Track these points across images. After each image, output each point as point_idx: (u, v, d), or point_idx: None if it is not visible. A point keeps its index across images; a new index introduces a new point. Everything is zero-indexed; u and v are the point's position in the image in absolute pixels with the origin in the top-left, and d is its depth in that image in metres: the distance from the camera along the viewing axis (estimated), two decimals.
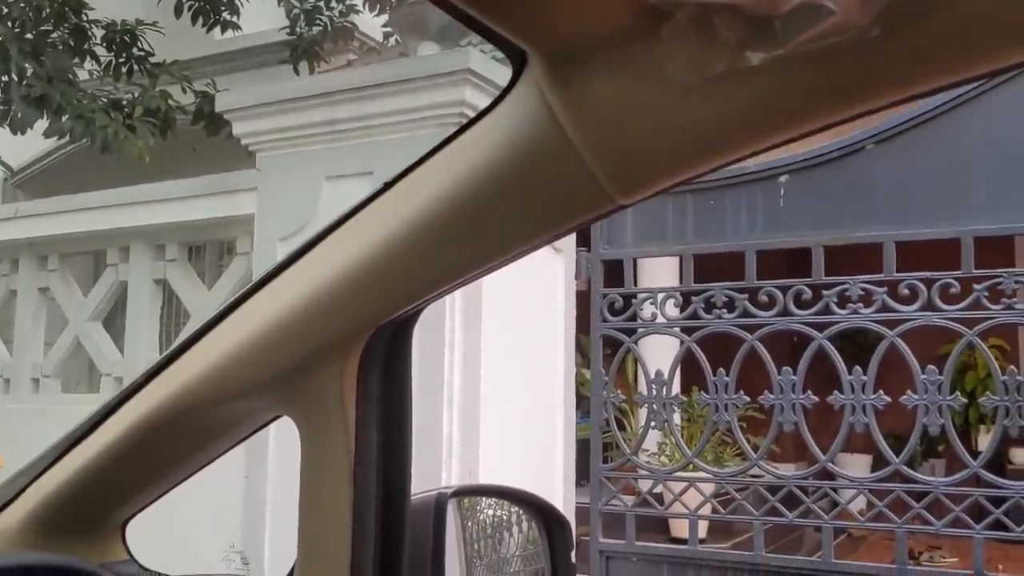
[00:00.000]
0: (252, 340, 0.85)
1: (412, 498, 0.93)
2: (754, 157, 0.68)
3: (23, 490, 0.96)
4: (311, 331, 0.83)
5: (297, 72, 5.87)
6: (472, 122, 0.75)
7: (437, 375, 3.00)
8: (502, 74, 3.07)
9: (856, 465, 8.21)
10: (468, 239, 0.75)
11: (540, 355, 3.56)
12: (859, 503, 3.30)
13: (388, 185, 0.81)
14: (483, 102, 3.02)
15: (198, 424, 0.91)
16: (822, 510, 3.28)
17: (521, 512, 1.33)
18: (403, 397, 0.90)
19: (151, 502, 0.99)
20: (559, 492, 3.55)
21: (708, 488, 3.45)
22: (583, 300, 3.69)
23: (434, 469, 2.96)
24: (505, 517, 1.39)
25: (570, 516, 3.59)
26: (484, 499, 1.41)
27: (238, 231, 3.54)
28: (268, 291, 0.86)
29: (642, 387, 3.46)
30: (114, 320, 4.10)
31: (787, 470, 6.49)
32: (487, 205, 0.72)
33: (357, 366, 0.84)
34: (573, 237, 3.62)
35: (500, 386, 3.26)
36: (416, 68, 3.08)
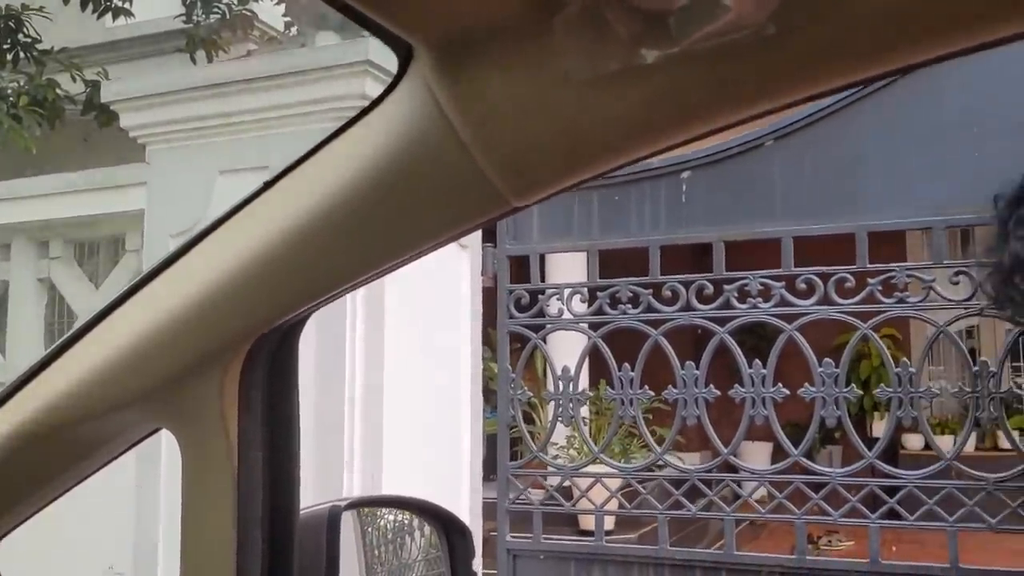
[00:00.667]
0: (126, 349, 0.80)
1: (303, 512, 0.90)
2: (654, 156, 0.65)
3: None
4: (189, 339, 0.78)
5: (194, 61, 5.67)
6: (356, 118, 0.71)
7: (338, 373, 2.92)
8: None
9: (758, 453, 8.45)
10: (355, 242, 0.72)
11: (446, 351, 3.52)
12: (761, 491, 3.36)
13: (269, 184, 0.77)
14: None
15: (71, 439, 0.85)
16: (725, 500, 3.32)
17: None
18: (289, 407, 0.86)
19: (22, 521, 0.92)
20: (466, 488, 3.51)
21: (616, 482, 3.47)
22: (490, 296, 3.67)
23: (336, 469, 2.89)
24: (406, 522, 1.37)
25: (477, 513, 3.56)
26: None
27: (127, 227, 3.39)
28: (143, 296, 0.81)
29: (551, 382, 3.46)
30: None
31: (692, 459, 6.63)
32: (374, 206, 0.69)
33: (239, 376, 0.80)
34: (479, 232, 3.58)
35: (404, 383, 3.20)
36: (314, 59, 2.98)
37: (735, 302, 3.25)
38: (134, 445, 0.89)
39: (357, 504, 1.26)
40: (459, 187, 0.65)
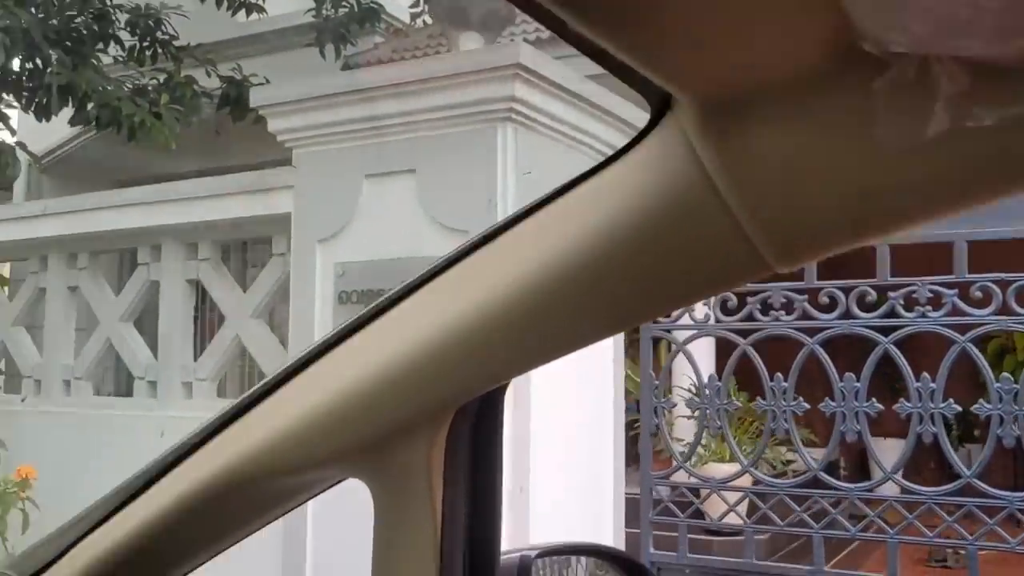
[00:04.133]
0: (329, 405, 0.75)
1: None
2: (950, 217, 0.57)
3: (71, 546, 0.87)
4: (397, 401, 0.73)
5: (323, 55, 5.71)
6: (593, 171, 0.64)
7: None
8: (554, 69, 2.91)
9: (890, 451, 8.11)
10: (585, 308, 0.65)
11: (591, 353, 3.44)
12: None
13: (486, 239, 0.70)
14: (535, 98, 2.87)
15: (263, 491, 0.82)
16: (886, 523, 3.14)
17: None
18: (493, 474, 0.83)
19: (200, 564, 0.90)
20: (609, 494, 3.43)
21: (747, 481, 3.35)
22: None
23: None
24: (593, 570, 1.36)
25: (620, 516, 3.48)
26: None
27: (274, 230, 3.41)
28: (346, 350, 0.76)
29: (676, 383, 3.35)
30: (144, 321, 4.00)
31: (819, 455, 6.43)
32: (613, 268, 0.61)
33: (445, 441, 0.76)
34: None
35: (551, 383, 3.14)
36: (462, 62, 2.92)
37: (901, 310, 3.05)
38: (321, 493, 0.86)
39: (547, 553, 1.23)
40: (715, 249, 0.58)
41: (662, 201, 0.59)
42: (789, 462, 6.62)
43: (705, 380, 3.38)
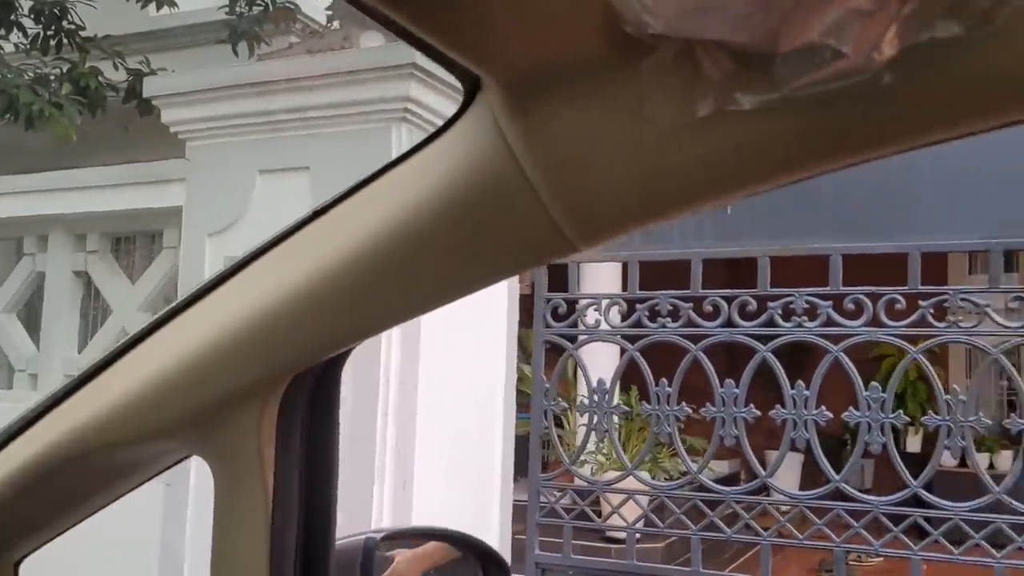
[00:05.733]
0: (161, 378, 0.77)
1: (338, 544, 0.88)
2: (737, 200, 0.61)
3: None
4: (230, 371, 0.75)
5: (236, 53, 5.64)
6: (414, 150, 0.67)
7: (372, 374, 2.87)
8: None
9: (788, 464, 8.33)
10: (406, 280, 0.68)
11: (481, 355, 3.46)
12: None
13: (319, 212, 0.73)
14: (429, 98, 2.90)
15: (102, 463, 0.82)
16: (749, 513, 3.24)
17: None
18: (328, 444, 0.84)
19: (48, 541, 0.90)
20: (496, 494, 3.46)
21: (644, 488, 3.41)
22: (525, 302, 3.61)
23: (366, 476, 2.85)
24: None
25: (507, 517, 3.51)
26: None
27: (165, 223, 3.36)
28: (182, 322, 0.78)
29: (582, 387, 3.40)
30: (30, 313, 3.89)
31: (721, 467, 6.54)
32: (430, 243, 0.65)
33: (278, 411, 0.77)
34: None
35: (439, 386, 3.16)
36: (359, 60, 2.93)
37: (779, 320, 3.16)
38: (165, 470, 0.87)
39: (393, 536, 1.24)
40: (522, 227, 0.61)
41: (473, 180, 0.61)
42: (684, 472, 6.78)
43: (595, 384, 3.44)
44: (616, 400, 5.74)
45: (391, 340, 2.90)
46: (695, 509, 3.28)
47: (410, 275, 0.67)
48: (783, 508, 3.29)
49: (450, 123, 0.64)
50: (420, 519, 2.96)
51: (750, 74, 0.49)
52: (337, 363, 0.82)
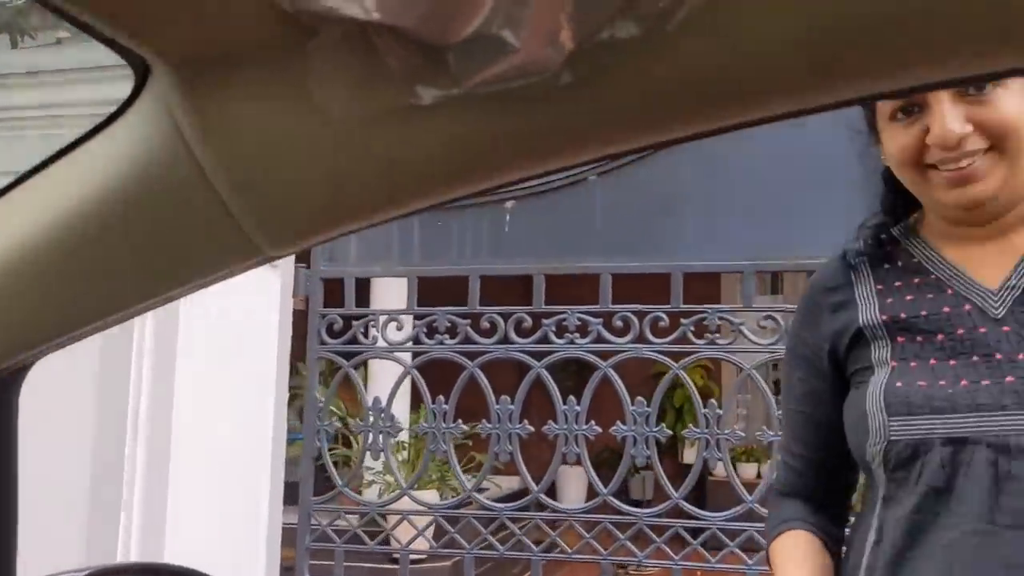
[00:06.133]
0: None
1: None
2: (436, 208, 0.55)
3: None
4: None
5: None
6: (77, 143, 0.57)
7: (120, 397, 2.66)
8: None
9: (575, 478, 8.54)
10: (76, 284, 0.59)
11: (249, 375, 3.29)
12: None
13: None
14: None
15: None
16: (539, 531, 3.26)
17: None
18: (5, 475, 0.73)
19: None
20: (264, 517, 3.29)
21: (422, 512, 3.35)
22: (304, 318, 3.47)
23: (112, 509, 2.61)
24: None
25: (275, 543, 3.35)
26: None
27: None
28: None
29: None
30: None
31: (511, 483, 6.59)
32: (92, 248, 0.56)
33: None
34: None
35: (199, 407, 2.96)
36: (71, 58, 2.70)
37: (553, 336, 3.20)
38: None
39: (102, 574, 1.11)
40: (204, 230, 0.54)
41: (144, 177, 0.52)
42: (481, 490, 6.81)
43: (370, 403, 3.35)
44: (408, 419, 5.66)
45: (142, 357, 2.69)
46: (481, 526, 3.25)
47: (75, 284, 0.58)
48: (558, 522, 3.31)
49: (119, 112, 0.54)
50: (175, 552, 2.76)
51: (432, 66, 0.44)
52: (8, 386, 0.71)
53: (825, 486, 1.35)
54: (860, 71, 0.42)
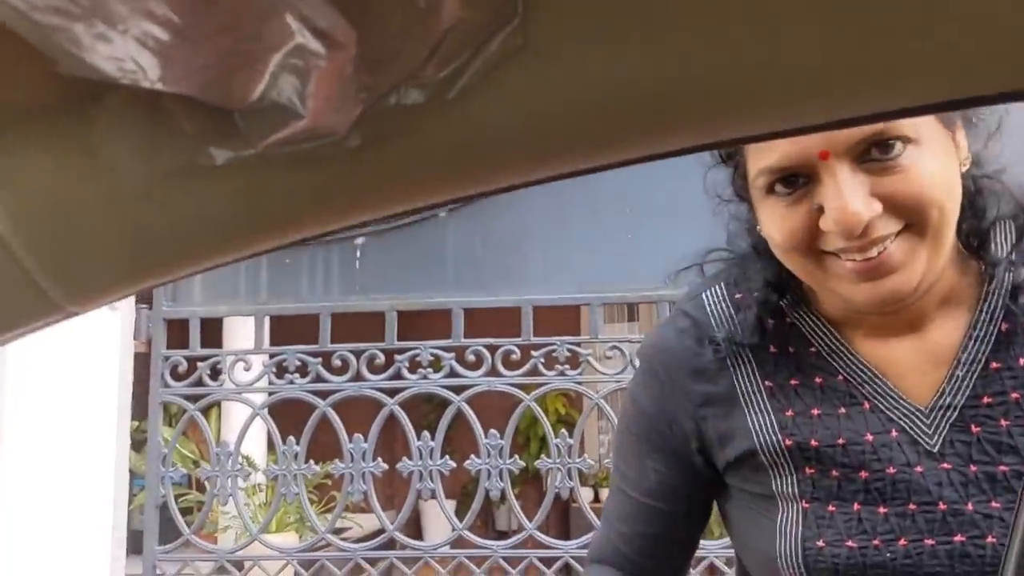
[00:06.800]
0: None
1: None
2: (240, 260, 0.55)
3: None
4: None
5: None
6: None
7: None
8: None
9: (441, 514, 8.49)
10: None
11: (87, 421, 3.14)
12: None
13: None
14: None
15: None
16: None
17: None
18: None
19: None
20: (105, 570, 3.12)
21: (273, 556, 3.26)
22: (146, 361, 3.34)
23: None
24: None
25: None
26: None
27: None
28: None
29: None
30: None
31: (374, 522, 6.47)
32: None
33: None
34: None
35: (28, 462, 2.80)
36: None
37: (406, 372, 3.20)
38: None
39: None
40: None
41: None
42: (341, 530, 6.68)
43: (223, 446, 3.25)
44: (265, 460, 5.50)
45: None
46: (339, 568, 3.19)
47: None
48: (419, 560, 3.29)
49: None
50: None
51: (223, 129, 0.46)
52: None
53: (655, 567, 1.12)
54: (660, 130, 0.46)
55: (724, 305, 1.02)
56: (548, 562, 3.09)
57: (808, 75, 0.37)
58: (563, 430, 3.21)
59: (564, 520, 7.88)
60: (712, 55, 0.41)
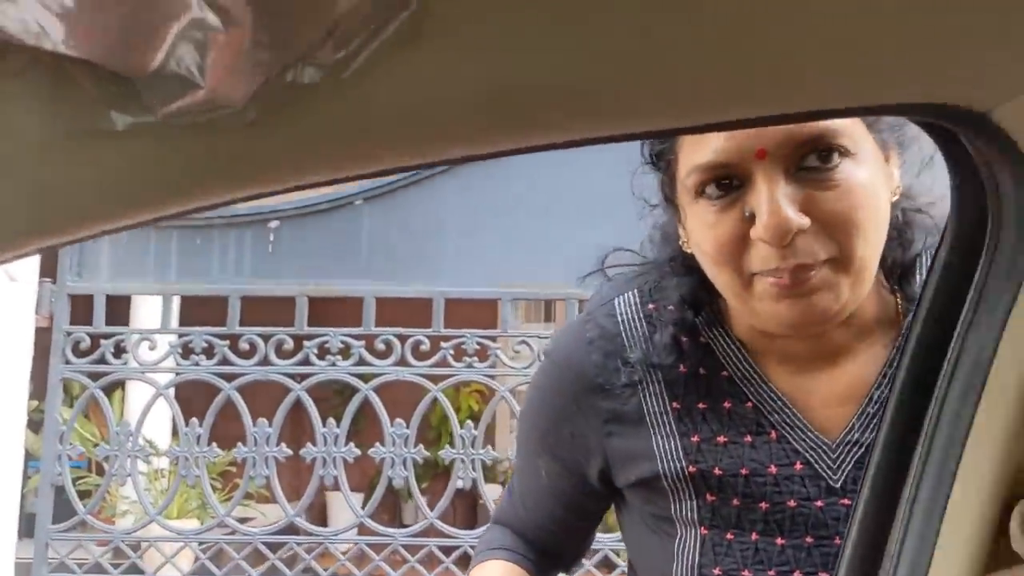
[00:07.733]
0: None
1: None
2: (140, 226, 0.58)
3: None
4: None
5: None
6: None
7: None
8: None
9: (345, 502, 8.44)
10: None
11: None
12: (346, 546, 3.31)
13: None
14: None
15: None
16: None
17: None
18: None
19: None
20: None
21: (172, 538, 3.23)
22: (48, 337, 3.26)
23: None
24: None
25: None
26: None
27: None
28: None
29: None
30: None
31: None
32: None
33: None
34: (35, 264, 3.18)
35: None
36: None
37: (314, 358, 3.20)
38: None
39: None
40: None
41: None
42: (245, 519, 6.59)
43: (127, 426, 3.21)
44: (169, 443, 5.40)
45: None
46: (240, 553, 3.17)
47: None
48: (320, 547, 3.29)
49: None
50: None
51: (125, 95, 0.48)
52: None
53: (554, 540, 1.12)
54: (544, 121, 0.50)
55: (637, 317, 0.98)
56: (448, 551, 3.13)
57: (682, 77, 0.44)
58: (469, 421, 3.25)
59: (472, 514, 7.94)
60: (594, 53, 0.46)
